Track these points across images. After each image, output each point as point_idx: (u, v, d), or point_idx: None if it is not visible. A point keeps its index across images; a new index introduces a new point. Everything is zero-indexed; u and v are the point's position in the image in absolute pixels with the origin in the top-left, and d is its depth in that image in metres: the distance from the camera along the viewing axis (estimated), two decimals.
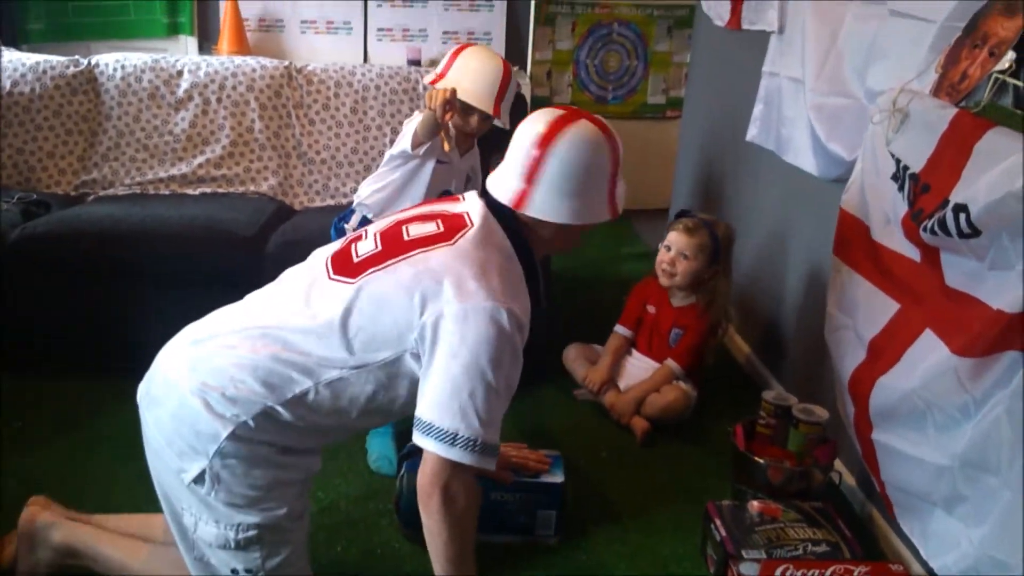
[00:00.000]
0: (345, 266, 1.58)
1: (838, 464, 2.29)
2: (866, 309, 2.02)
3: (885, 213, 1.93)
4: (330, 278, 1.57)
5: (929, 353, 1.72)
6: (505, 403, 1.51)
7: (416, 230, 1.59)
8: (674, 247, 2.69)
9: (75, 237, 2.67)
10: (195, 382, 1.50)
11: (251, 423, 1.48)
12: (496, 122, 2.45)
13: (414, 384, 1.53)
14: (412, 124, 2.34)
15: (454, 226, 1.57)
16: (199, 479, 1.50)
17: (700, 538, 2.08)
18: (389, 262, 1.54)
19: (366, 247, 1.60)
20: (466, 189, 2.63)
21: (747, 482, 2.19)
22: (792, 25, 2.67)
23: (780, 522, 1.97)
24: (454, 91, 2.22)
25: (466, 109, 2.38)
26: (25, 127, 3.10)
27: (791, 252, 2.76)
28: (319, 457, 1.66)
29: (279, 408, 1.50)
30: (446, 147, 2.30)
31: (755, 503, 2.03)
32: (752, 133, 2.97)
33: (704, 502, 2.05)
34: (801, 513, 2.00)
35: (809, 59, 2.43)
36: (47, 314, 2.68)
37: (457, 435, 1.44)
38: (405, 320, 1.48)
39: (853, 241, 2.10)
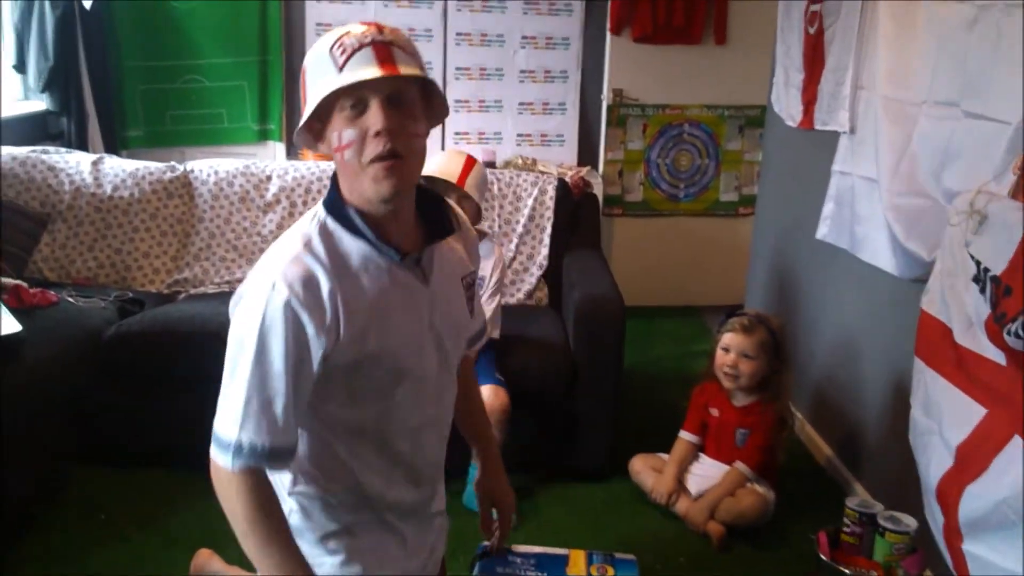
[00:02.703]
0: None
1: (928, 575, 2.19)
2: (951, 413, 1.96)
3: (967, 315, 1.90)
4: None
5: (1019, 460, 1.66)
6: (268, 385, 1.32)
7: None
8: (733, 348, 2.64)
9: (167, 335, 2.77)
10: None
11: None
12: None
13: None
14: None
15: None
16: None
17: None
18: None
19: None
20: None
21: None
22: (863, 126, 2.69)
23: None
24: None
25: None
26: (123, 229, 3.29)
27: (869, 351, 2.71)
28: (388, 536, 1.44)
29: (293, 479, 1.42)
30: None
31: None
32: (823, 231, 2.96)
33: None
34: None
35: (883, 159, 2.44)
36: (139, 408, 2.78)
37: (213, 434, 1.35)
38: None
39: (935, 343, 2.06)
